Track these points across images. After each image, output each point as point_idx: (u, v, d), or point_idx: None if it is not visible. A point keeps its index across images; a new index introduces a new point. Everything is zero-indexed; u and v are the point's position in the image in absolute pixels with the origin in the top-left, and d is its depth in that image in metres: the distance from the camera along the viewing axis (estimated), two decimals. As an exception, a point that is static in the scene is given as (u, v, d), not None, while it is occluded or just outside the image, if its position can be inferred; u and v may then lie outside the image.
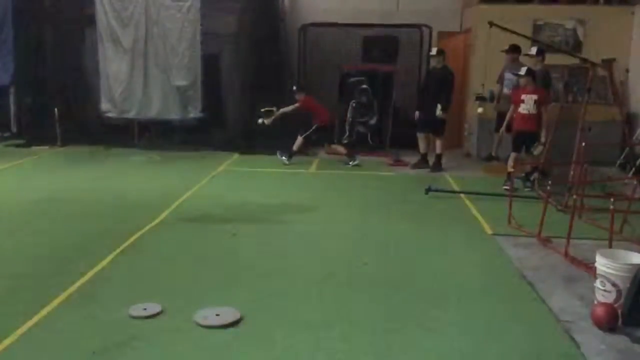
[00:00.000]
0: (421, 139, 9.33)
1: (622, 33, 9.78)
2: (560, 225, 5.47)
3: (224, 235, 5.64)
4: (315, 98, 9.70)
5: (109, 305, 4.00)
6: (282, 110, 9.45)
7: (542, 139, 7.65)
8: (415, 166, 9.28)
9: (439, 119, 8.99)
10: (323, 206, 6.86)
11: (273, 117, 9.41)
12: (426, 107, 9.11)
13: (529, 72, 7.80)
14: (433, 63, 9.35)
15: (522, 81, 7.87)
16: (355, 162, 9.38)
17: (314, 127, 9.50)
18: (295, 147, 9.46)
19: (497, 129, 9.10)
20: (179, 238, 5.58)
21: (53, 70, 10.96)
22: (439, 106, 8.87)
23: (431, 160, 9.26)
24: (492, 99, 9.28)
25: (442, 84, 8.97)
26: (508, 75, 8.95)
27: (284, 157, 9.37)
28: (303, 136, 9.44)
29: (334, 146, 9.81)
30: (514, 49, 8.90)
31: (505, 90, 8.96)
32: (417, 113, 9.32)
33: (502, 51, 8.99)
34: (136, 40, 10.37)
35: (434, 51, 9.24)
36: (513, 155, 7.92)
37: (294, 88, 9.71)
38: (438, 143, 9.16)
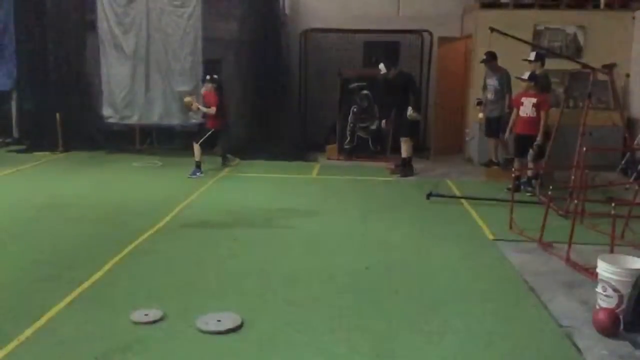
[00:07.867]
0: (402, 142, 9.16)
1: (623, 38, 9.79)
2: (561, 231, 5.48)
3: (225, 241, 5.65)
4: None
5: (111, 311, 4.00)
6: (201, 108, 9.00)
7: (535, 143, 7.63)
8: (393, 172, 9.23)
9: (409, 122, 8.89)
10: (324, 211, 6.87)
11: (196, 110, 9.08)
12: (393, 113, 9.10)
13: (532, 77, 7.82)
14: (388, 76, 9.10)
15: (524, 85, 7.89)
16: (198, 175, 8.65)
17: (209, 133, 8.92)
18: (197, 158, 8.75)
19: (487, 134, 9.20)
20: (180, 243, 5.59)
21: (55, 75, 10.97)
22: (410, 108, 8.78)
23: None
24: None
25: (406, 87, 8.93)
26: (490, 82, 9.05)
27: (197, 174, 8.65)
28: (199, 143, 8.79)
29: (196, 146, 8.81)
30: (490, 58, 8.92)
31: (489, 96, 9.03)
32: (382, 122, 9.39)
33: (481, 62, 9.04)
34: (138, 46, 10.37)
35: (382, 69, 8.99)
36: (517, 160, 7.93)
37: (207, 77, 9.08)
38: (405, 146, 9.03)
